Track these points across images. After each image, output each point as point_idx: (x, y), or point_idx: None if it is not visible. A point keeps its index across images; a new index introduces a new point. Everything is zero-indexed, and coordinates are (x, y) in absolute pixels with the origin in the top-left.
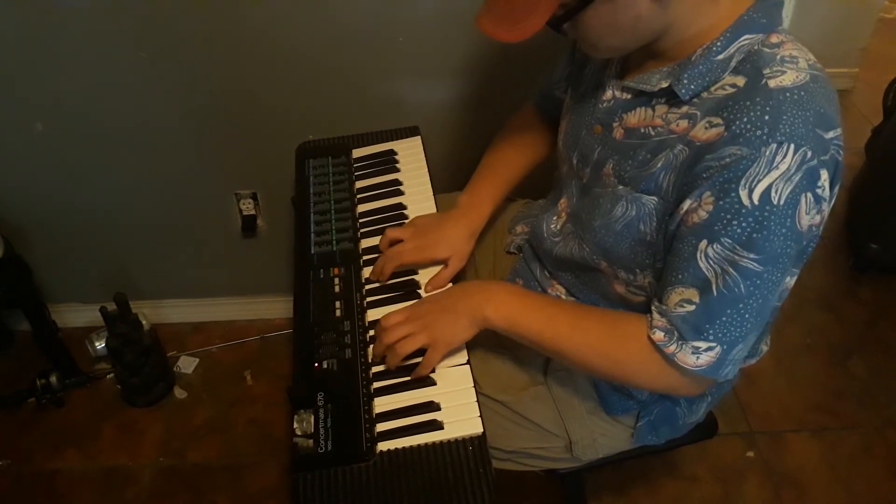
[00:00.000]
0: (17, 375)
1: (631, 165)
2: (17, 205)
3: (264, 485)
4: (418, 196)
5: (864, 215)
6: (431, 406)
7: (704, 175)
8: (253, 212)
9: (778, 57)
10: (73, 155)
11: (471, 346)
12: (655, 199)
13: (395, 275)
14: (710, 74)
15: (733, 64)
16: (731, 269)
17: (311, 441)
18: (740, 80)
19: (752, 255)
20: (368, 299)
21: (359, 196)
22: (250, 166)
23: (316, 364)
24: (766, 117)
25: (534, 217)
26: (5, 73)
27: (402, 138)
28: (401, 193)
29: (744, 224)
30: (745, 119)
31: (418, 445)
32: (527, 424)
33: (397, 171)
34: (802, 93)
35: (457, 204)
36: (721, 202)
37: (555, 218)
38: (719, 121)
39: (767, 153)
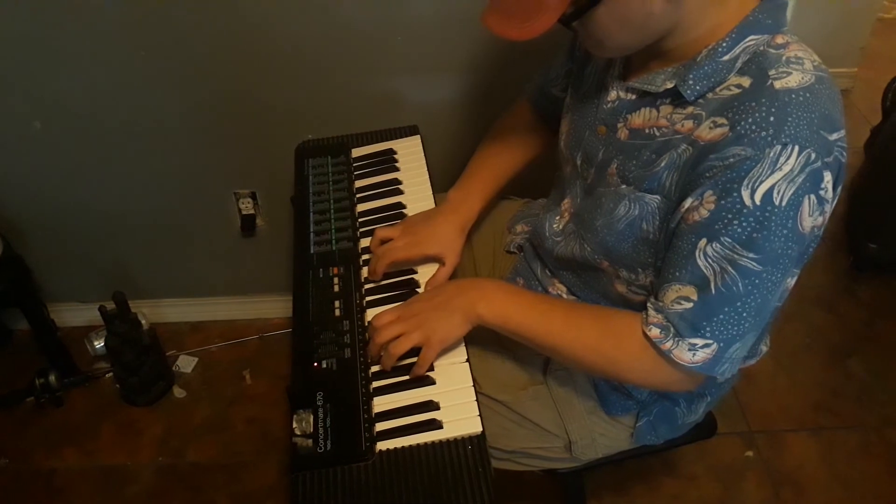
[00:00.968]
0: (15, 374)
1: (635, 165)
2: (16, 203)
3: (263, 484)
4: (418, 195)
5: (863, 215)
6: (431, 405)
7: (707, 174)
8: (252, 211)
9: (783, 58)
10: (72, 154)
11: (470, 345)
12: (658, 198)
13: (393, 274)
14: (716, 75)
15: (739, 65)
16: (729, 268)
17: (310, 440)
18: (746, 81)
19: (751, 255)
20: (368, 298)
21: (358, 195)
22: (249, 165)
23: (315, 363)
24: (772, 118)
25: (534, 216)
26: (4, 71)
27: (401, 137)
28: (400, 193)
29: (744, 224)
30: (750, 120)
31: (417, 445)
32: (526, 424)
33: (397, 170)
34: (808, 94)
35: (446, 199)
36: (723, 201)
37: (557, 218)
38: (724, 121)
39: (771, 154)
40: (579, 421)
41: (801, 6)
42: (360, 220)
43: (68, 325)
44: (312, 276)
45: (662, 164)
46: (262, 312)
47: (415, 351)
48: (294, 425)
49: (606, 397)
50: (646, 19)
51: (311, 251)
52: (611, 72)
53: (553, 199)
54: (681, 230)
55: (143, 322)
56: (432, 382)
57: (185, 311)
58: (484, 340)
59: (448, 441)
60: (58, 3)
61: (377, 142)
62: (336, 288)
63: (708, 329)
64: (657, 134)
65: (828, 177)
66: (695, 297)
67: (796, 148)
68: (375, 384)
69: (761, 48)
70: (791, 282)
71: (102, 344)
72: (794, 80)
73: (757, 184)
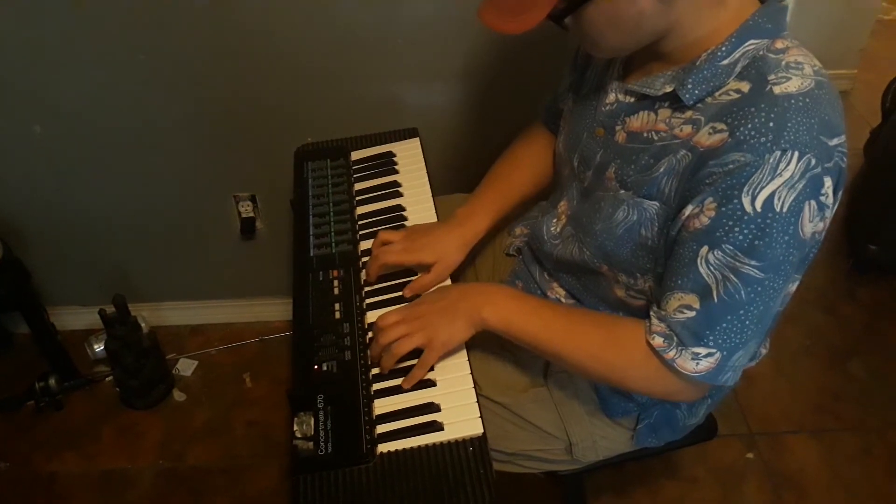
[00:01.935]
0: (15, 378)
1: (633, 170)
2: (16, 207)
3: (264, 487)
4: (417, 198)
5: (863, 217)
6: (432, 407)
7: (707, 181)
8: (252, 214)
9: (783, 63)
10: (72, 157)
11: (471, 347)
12: (657, 204)
13: (395, 276)
14: (715, 79)
15: (738, 69)
16: (731, 276)
17: (311, 443)
18: (745, 86)
19: (753, 262)
20: (368, 301)
21: (357, 198)
22: (249, 169)
23: (315, 366)
24: (771, 124)
25: (533, 219)
26: (4, 75)
27: (400, 140)
28: (399, 195)
29: (745, 231)
30: (750, 125)
31: (419, 447)
32: (527, 426)
33: (396, 172)
34: (808, 99)
35: (454, 214)
36: (723, 208)
37: (554, 220)
38: (723, 127)
39: (771, 160)
40: (580, 423)
41: (801, 8)
42: (360, 222)
43: (68, 328)
44: (312, 279)
45: (661, 170)
46: (262, 315)
47: (416, 353)
48: (295, 428)
49: (607, 400)
50: (637, 18)
51: (311, 254)
52: (610, 73)
53: (551, 201)
54: (682, 237)
55: (143, 325)
56: (433, 384)
57: (185, 315)
58: (485, 342)
59: (449, 443)
60: (58, 7)
61: (376, 144)
62: (336, 291)
63: (711, 338)
64: (655, 138)
65: (828, 182)
66: (697, 306)
67: (796, 154)
68: (376, 386)
69: (761, 52)
70: (793, 287)
71: (102, 347)
72: (793, 85)
73: (757, 190)
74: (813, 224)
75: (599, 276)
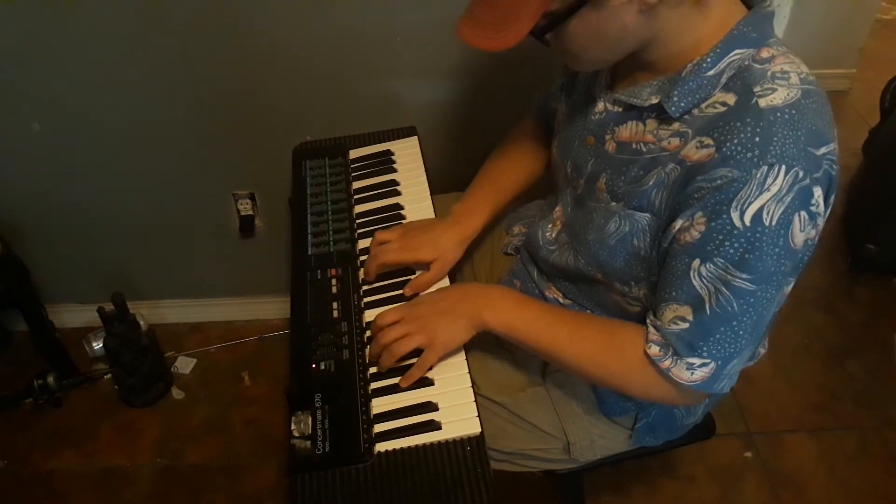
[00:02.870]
0: (14, 376)
1: (623, 181)
2: (15, 204)
3: (262, 485)
4: (415, 196)
5: (861, 216)
6: (429, 406)
7: (696, 195)
8: (251, 212)
9: (769, 73)
10: (70, 155)
11: (469, 346)
12: (648, 215)
13: (393, 275)
14: (701, 91)
15: (724, 80)
16: (723, 289)
17: (308, 442)
18: (731, 98)
19: (744, 276)
20: (366, 300)
21: (356, 197)
22: (248, 167)
23: (313, 365)
24: (757, 139)
25: (531, 218)
26: (3, 72)
27: (398, 139)
28: (398, 194)
29: (736, 245)
30: (736, 140)
31: (416, 446)
32: (525, 425)
33: (394, 171)
34: (794, 111)
35: (450, 212)
36: (713, 223)
37: (549, 226)
38: (710, 141)
39: (758, 175)
40: (578, 422)
41: (799, 7)
42: (358, 221)
43: (67, 326)
44: (310, 278)
45: (651, 182)
46: (260, 313)
47: (415, 353)
48: (292, 427)
49: (605, 399)
50: (620, 32)
51: (309, 252)
52: (598, 81)
53: (547, 204)
54: (674, 250)
55: (142, 323)
56: (431, 383)
57: (183, 313)
58: (483, 342)
59: (447, 442)
60: (56, 5)
61: (375, 143)
62: (334, 289)
63: (705, 349)
64: (644, 150)
65: (818, 192)
66: (690, 317)
67: (783, 168)
68: (374, 385)
69: (746, 63)
70: (788, 288)
71: (101, 345)
72: (779, 96)
73: (746, 205)
74: (804, 233)
75: (595, 283)
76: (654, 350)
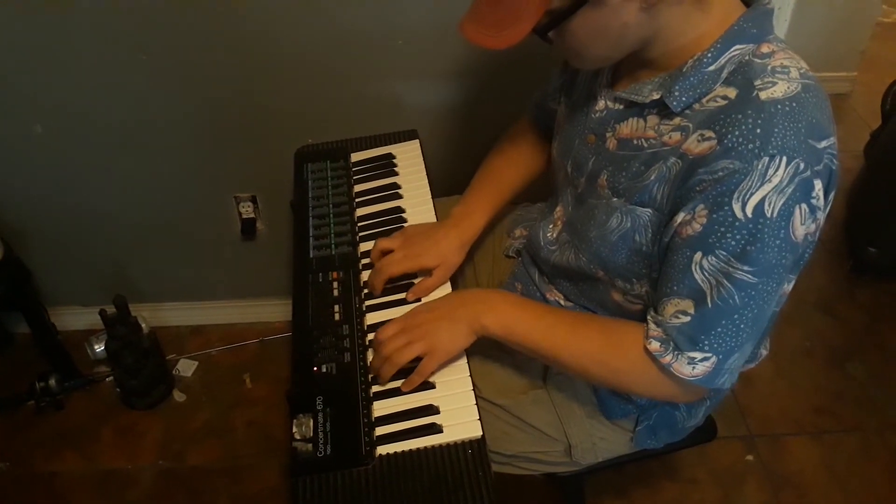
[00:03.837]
0: (16, 378)
1: (625, 177)
2: (17, 207)
3: (263, 487)
4: (417, 200)
5: (862, 219)
6: (431, 409)
7: (698, 188)
8: (252, 215)
9: (769, 68)
10: (72, 157)
11: (470, 350)
12: (650, 210)
13: (395, 279)
14: (702, 86)
15: (724, 75)
16: (725, 281)
17: (310, 445)
18: (731, 92)
19: (746, 268)
20: (367, 303)
21: (357, 200)
22: (250, 169)
23: (315, 368)
24: (758, 130)
25: (532, 221)
26: (5, 75)
27: (400, 142)
28: (399, 197)
29: (738, 237)
30: (737, 132)
31: (417, 449)
32: (526, 428)
33: (396, 174)
34: (794, 104)
35: (450, 214)
36: (714, 215)
37: (550, 226)
38: (711, 134)
39: (760, 166)
40: (579, 425)
41: (800, 10)
42: (360, 224)
43: (69, 328)
44: (312, 281)
45: (652, 177)
46: (262, 316)
47: (417, 361)
48: (294, 430)
49: (606, 401)
50: (622, 30)
51: (311, 255)
52: (599, 80)
53: (548, 205)
54: (675, 244)
55: (144, 326)
56: (432, 387)
57: (185, 315)
58: (484, 345)
59: (448, 445)
60: (58, 7)
61: (376, 146)
62: (336, 292)
63: (706, 342)
64: (645, 145)
65: (818, 185)
66: (692, 311)
67: (784, 159)
68: (375, 388)
69: (746, 58)
70: (788, 287)
71: (103, 347)
72: (779, 90)
73: (747, 196)
74: (805, 226)
75: (597, 281)
76: (654, 345)
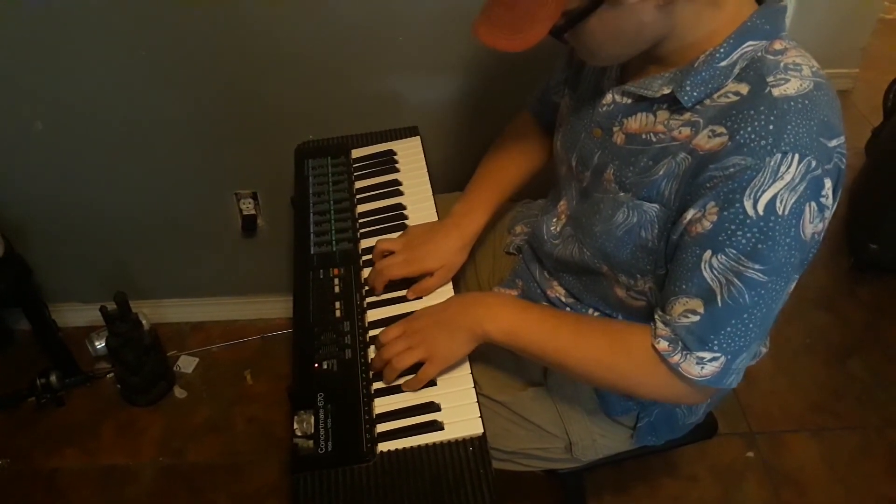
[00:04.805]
0: (16, 374)
1: (632, 172)
2: (17, 204)
3: (264, 484)
4: (418, 196)
5: (863, 216)
6: (432, 407)
7: (708, 185)
8: (253, 211)
9: (781, 64)
10: (73, 154)
11: None
12: (657, 206)
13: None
14: (713, 81)
15: (736, 71)
16: (735, 280)
17: (311, 442)
18: (744, 88)
19: (756, 266)
20: (368, 300)
21: (358, 196)
22: (250, 166)
23: (316, 364)
24: (771, 127)
25: (533, 217)
26: (6, 72)
27: (401, 138)
28: (400, 194)
29: (749, 234)
30: (750, 129)
31: (419, 446)
32: (527, 425)
33: (397, 171)
34: (807, 101)
35: (451, 213)
36: (725, 212)
37: (554, 220)
38: (723, 130)
39: (772, 163)
40: (580, 422)
41: (802, 7)
42: (361, 220)
43: (69, 325)
44: (313, 277)
45: (661, 173)
46: (263, 313)
47: (418, 365)
48: (295, 426)
49: (607, 398)
50: (638, 28)
51: (312, 252)
52: (607, 74)
53: (551, 200)
54: (685, 242)
55: (144, 322)
56: (433, 384)
57: (186, 312)
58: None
59: (449, 442)
60: (60, 4)
61: (377, 143)
62: (336, 289)
63: (716, 342)
64: (654, 140)
65: (828, 184)
66: (701, 310)
67: (797, 156)
68: (376, 385)
69: (759, 54)
70: (791, 286)
71: (103, 344)
72: (792, 87)
73: (759, 194)
74: (813, 225)
75: (600, 276)
76: (662, 345)
